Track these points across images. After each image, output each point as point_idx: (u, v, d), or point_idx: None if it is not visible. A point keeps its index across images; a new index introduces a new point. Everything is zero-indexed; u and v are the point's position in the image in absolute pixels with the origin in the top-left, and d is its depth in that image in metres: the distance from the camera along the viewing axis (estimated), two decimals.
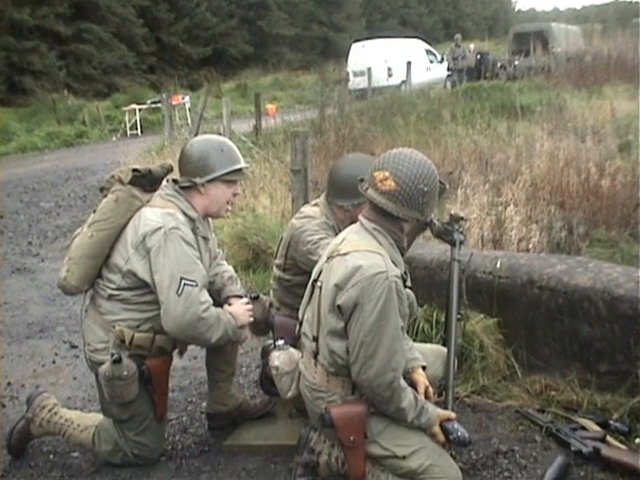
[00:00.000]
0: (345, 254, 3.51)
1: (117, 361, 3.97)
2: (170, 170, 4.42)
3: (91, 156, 19.92)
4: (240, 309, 4.30)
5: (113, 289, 4.11)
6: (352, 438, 3.54)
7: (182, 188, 4.23)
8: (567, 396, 4.73)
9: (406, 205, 3.48)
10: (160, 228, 3.99)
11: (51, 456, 4.58)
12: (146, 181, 4.28)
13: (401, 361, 3.52)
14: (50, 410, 4.49)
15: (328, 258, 3.66)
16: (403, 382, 3.53)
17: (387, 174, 3.48)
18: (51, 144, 23.70)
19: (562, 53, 27.70)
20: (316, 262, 3.93)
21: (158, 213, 4.08)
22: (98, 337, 4.16)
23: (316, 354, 3.65)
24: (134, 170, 4.24)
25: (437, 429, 3.60)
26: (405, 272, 3.69)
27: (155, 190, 4.29)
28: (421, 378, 3.86)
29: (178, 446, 4.64)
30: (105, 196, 4.24)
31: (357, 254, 3.47)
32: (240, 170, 4.31)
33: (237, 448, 4.53)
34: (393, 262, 3.52)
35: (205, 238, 4.33)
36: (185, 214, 4.16)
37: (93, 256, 4.13)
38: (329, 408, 3.57)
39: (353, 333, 3.43)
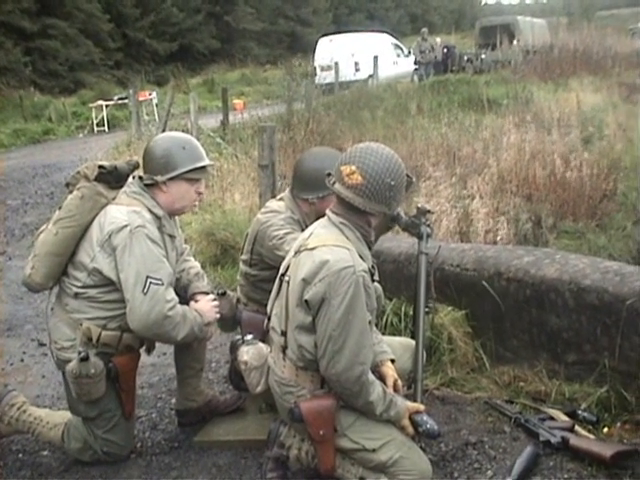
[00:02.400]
0: (312, 249, 3.51)
1: (84, 359, 3.95)
2: (136, 166, 4.39)
3: (58, 153, 19.74)
4: (206, 306, 4.30)
5: (79, 287, 4.09)
6: (322, 432, 3.55)
7: (146, 185, 4.21)
8: (535, 387, 4.77)
9: (373, 199, 3.49)
10: (126, 226, 3.97)
11: (20, 455, 4.55)
12: (112, 178, 4.25)
13: (369, 355, 3.53)
14: (19, 408, 4.47)
15: (296, 252, 3.66)
16: (371, 376, 3.54)
17: (354, 168, 3.49)
18: (17, 141, 23.47)
19: (528, 46, 27.90)
20: (282, 257, 3.93)
21: (124, 211, 4.06)
22: (65, 335, 4.14)
23: (285, 348, 3.65)
24: (100, 167, 4.21)
25: (406, 422, 3.61)
26: (373, 266, 3.70)
27: (121, 187, 4.27)
28: (390, 371, 3.87)
29: (148, 443, 4.63)
30: (70, 192, 4.21)
31: (324, 248, 3.47)
32: (203, 168, 4.30)
33: (207, 444, 4.52)
34: (360, 256, 3.52)
35: (171, 236, 4.31)
36: (151, 212, 4.14)
37: (58, 253, 4.10)
38: (298, 402, 3.58)
39: (321, 327, 3.44)
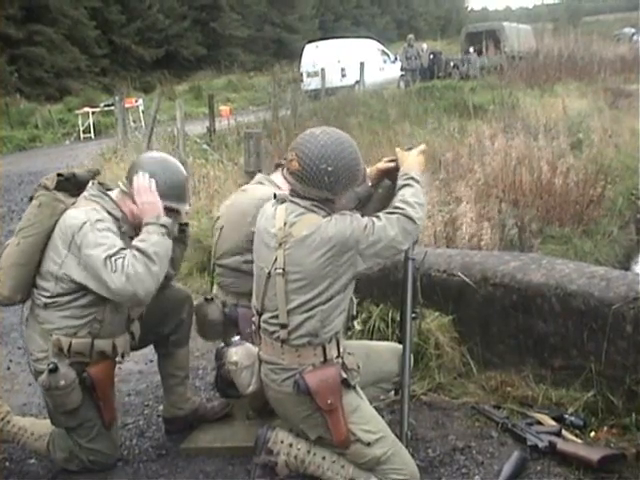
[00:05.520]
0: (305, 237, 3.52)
1: (53, 370, 3.92)
2: (97, 174, 4.38)
3: (44, 160, 19.67)
4: (140, 186, 4.11)
5: (48, 297, 4.05)
6: (329, 401, 3.55)
7: (123, 193, 4.17)
8: (522, 392, 4.76)
9: (311, 185, 3.55)
10: (85, 222, 3.91)
11: (7, 463, 4.53)
12: (71, 185, 4.22)
13: None
14: (2, 419, 4.44)
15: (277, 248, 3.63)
16: None
17: (293, 155, 3.58)
18: (3, 149, 23.33)
19: (514, 51, 28.02)
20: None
21: (82, 210, 4.02)
22: (39, 346, 4.11)
23: (285, 340, 3.63)
24: (58, 174, 4.19)
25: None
26: None
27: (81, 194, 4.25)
28: None
29: (135, 450, 4.61)
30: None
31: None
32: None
33: (195, 451, 4.50)
34: None
35: (132, 238, 4.16)
36: (109, 213, 4.10)
37: (23, 263, 4.08)
38: (302, 374, 3.57)
39: None
